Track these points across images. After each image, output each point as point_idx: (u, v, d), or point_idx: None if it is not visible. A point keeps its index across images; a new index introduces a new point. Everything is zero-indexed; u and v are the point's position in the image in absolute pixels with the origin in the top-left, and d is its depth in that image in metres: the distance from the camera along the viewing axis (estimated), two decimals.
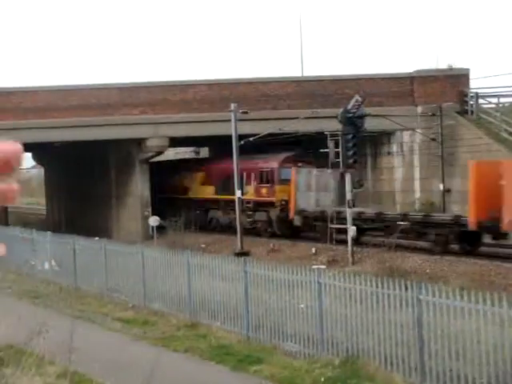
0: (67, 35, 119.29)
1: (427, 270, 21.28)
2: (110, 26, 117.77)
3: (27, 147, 46.12)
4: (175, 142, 37.36)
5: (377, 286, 10.96)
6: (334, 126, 25.60)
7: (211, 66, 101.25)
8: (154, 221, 30.51)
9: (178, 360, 12.15)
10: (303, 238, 30.35)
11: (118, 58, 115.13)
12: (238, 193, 28.87)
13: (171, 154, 57.57)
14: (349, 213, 24.37)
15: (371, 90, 32.67)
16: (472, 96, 34.06)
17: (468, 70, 35.44)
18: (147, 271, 17.09)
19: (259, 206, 32.37)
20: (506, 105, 35.77)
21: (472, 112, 33.66)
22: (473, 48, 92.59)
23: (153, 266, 16.94)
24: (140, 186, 35.60)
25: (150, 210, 34.83)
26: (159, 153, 36.40)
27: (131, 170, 36.06)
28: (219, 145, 38.81)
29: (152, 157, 36.58)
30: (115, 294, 18.27)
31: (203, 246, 30.35)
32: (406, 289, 10.44)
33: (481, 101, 34.65)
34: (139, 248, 17.80)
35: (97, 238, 20.83)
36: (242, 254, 25.86)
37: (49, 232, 24.21)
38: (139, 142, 34.59)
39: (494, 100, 36.16)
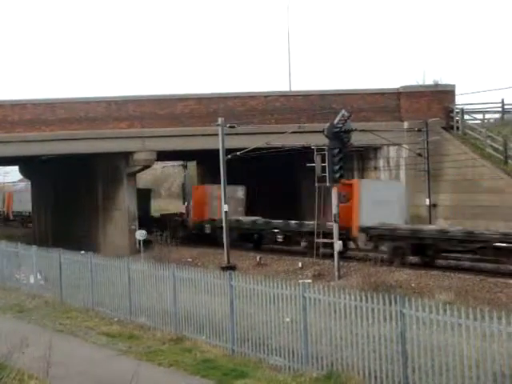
0: (54, 47, 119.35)
1: (412, 284, 21.36)
2: (98, 39, 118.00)
3: (14, 160, 46.16)
4: (163, 155, 37.41)
5: (361, 300, 11.01)
6: (321, 140, 25.74)
7: (199, 80, 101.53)
8: (140, 234, 30.46)
9: (163, 374, 12.13)
10: (290, 252, 30.43)
11: (107, 72, 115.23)
12: (225, 207, 28.91)
13: (159, 167, 57.59)
14: (335, 227, 24.45)
15: (358, 105, 32.94)
16: (458, 112, 34.41)
17: (454, 86, 35.83)
18: (133, 285, 17.05)
19: None
20: (491, 121, 36.14)
21: (458, 128, 33.98)
22: (459, 64, 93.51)
23: (139, 280, 16.91)
24: (127, 200, 35.54)
25: (136, 223, 34.76)
26: (147, 166, 36.41)
27: (118, 183, 36.02)
28: (207, 159, 38.89)
29: (139, 170, 36.58)
30: (101, 308, 18.22)
31: (190, 259, 30.32)
32: (390, 303, 10.50)
33: (466, 117, 34.99)
34: (125, 262, 17.76)
35: (83, 252, 20.77)
36: (229, 267, 25.86)
37: (34, 245, 24.10)
38: (127, 156, 34.59)
39: (480, 116, 36.54)
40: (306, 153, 27.32)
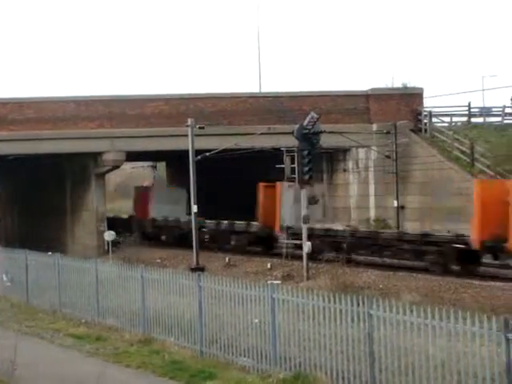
0: (20, 46, 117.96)
1: (380, 286, 21.56)
2: (66, 37, 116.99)
3: None
4: (132, 156, 37.21)
5: (329, 302, 11.06)
6: (291, 142, 25.84)
7: (169, 81, 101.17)
8: (109, 235, 30.25)
9: (130, 376, 12.06)
10: (259, 253, 30.52)
11: (76, 72, 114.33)
12: (194, 207, 28.85)
13: (128, 168, 57.26)
14: (304, 228, 24.56)
15: (327, 107, 33.12)
16: (426, 115, 34.78)
17: (422, 89, 36.21)
18: (101, 286, 16.93)
19: None
20: (459, 124, 36.61)
21: (426, 130, 34.36)
22: (426, 68, 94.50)
23: (107, 281, 16.80)
24: (96, 201, 35.28)
25: (105, 224, 34.52)
26: (116, 167, 36.19)
27: (87, 184, 35.74)
28: (176, 160, 38.80)
29: (108, 171, 36.34)
30: (68, 309, 18.05)
31: (159, 260, 30.21)
32: (358, 304, 10.57)
33: (434, 119, 35.39)
34: (93, 263, 17.63)
35: (50, 253, 20.57)
36: (198, 269, 25.78)
37: (0, 246, 23.80)
38: (95, 156, 34.35)
39: (447, 119, 36.99)
40: (275, 154, 27.42)
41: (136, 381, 11.89)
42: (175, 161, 41.64)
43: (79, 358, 13.36)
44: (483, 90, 45.47)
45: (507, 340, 8.52)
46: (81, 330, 15.95)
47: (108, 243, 30.41)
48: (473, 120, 36.68)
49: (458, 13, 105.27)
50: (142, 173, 60.45)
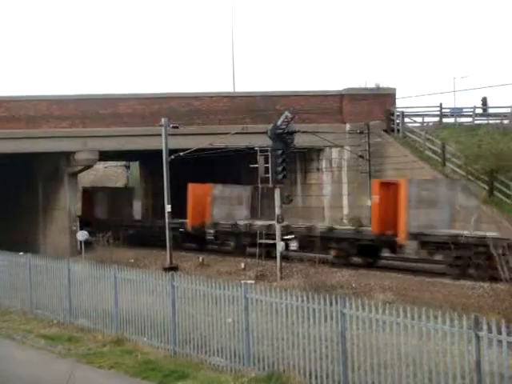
0: None
1: (353, 285, 21.66)
2: (38, 35, 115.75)
3: None
4: (105, 155, 36.97)
5: (302, 301, 11.11)
6: (264, 141, 25.86)
7: (142, 80, 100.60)
8: (82, 235, 30.01)
9: (103, 377, 12.01)
10: (232, 253, 30.52)
11: (48, 70, 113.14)
12: (168, 207, 28.76)
13: (101, 167, 56.90)
14: (278, 228, 24.61)
15: (301, 107, 33.18)
16: (398, 115, 35.04)
17: (394, 89, 36.45)
18: (73, 286, 16.81)
19: None
20: (430, 124, 36.95)
21: (398, 130, 34.60)
22: (399, 69, 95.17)
23: (79, 281, 16.69)
24: (68, 200, 35.01)
25: (77, 224, 34.28)
26: (88, 166, 35.95)
27: (59, 183, 35.43)
28: (150, 159, 38.63)
29: (81, 170, 36.08)
30: (40, 310, 17.89)
31: (132, 260, 30.04)
32: (331, 303, 10.62)
33: (406, 120, 35.67)
34: (65, 263, 17.49)
35: (21, 253, 20.36)
36: (171, 268, 25.72)
37: None
38: (68, 156, 34.06)
39: (419, 119, 37.30)
40: (250, 154, 27.44)
41: (108, 381, 11.84)
42: (149, 160, 41.48)
43: (51, 359, 13.25)
44: (454, 90, 45.97)
45: (477, 338, 8.64)
46: (53, 330, 15.83)
47: (81, 243, 30.19)
48: (444, 120, 37.02)
49: (430, 14, 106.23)
50: (115, 172, 60.14)
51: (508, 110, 36.40)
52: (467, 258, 21.60)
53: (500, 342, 8.47)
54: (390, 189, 25.08)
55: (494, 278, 17.38)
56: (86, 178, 53.05)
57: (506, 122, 35.96)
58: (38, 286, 18.25)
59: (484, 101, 39.24)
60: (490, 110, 38.99)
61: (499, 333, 8.48)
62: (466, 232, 22.15)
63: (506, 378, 8.35)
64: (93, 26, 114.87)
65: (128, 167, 55.26)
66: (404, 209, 23.97)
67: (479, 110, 38.54)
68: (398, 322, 9.71)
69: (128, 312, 14.75)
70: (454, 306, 17.11)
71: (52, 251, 32.72)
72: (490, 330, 8.57)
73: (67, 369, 11.37)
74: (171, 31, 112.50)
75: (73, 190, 35.51)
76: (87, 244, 30.06)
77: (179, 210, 32.24)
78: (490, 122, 36.98)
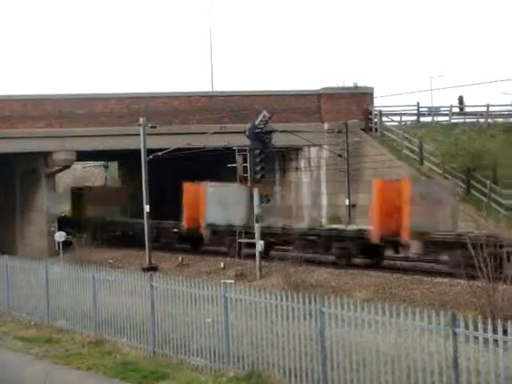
0: None
1: (332, 283, 21.75)
2: (13, 34, 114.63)
3: None
4: (83, 155, 36.77)
5: (281, 300, 11.12)
6: (243, 141, 25.88)
7: (120, 79, 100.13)
8: (60, 236, 29.81)
9: (80, 378, 11.92)
10: (212, 252, 30.50)
11: (23, 69, 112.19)
12: (147, 208, 28.66)
13: (79, 168, 56.56)
14: (257, 227, 24.63)
15: (280, 106, 33.27)
16: (376, 114, 35.24)
17: (372, 88, 36.66)
18: (51, 287, 16.68)
19: None
20: (408, 123, 37.21)
21: (376, 129, 34.81)
22: (377, 68, 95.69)
23: (57, 282, 16.56)
24: (46, 201, 34.73)
25: (56, 225, 34.04)
26: (66, 167, 35.71)
27: (37, 184, 35.15)
28: (128, 159, 38.47)
29: (59, 171, 35.84)
30: (17, 312, 17.73)
31: (111, 261, 29.92)
32: (310, 302, 10.66)
33: (384, 119, 35.89)
34: (43, 264, 17.35)
35: None
36: (150, 268, 25.64)
37: None
38: (45, 156, 33.81)
39: (397, 118, 37.57)
40: (228, 153, 27.45)
41: (86, 382, 11.76)
42: (127, 160, 41.33)
43: (28, 360, 13.12)
44: (431, 89, 46.33)
45: (454, 334, 8.71)
46: (30, 332, 15.69)
47: (59, 244, 29.99)
48: (421, 119, 37.34)
49: (407, 14, 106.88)
50: (93, 172, 59.82)
51: (484, 109, 36.77)
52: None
53: (476, 338, 8.55)
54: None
55: (472, 276, 17.55)
56: (65, 179, 52.73)
57: (482, 120, 36.32)
58: (16, 288, 18.09)
59: (460, 100, 39.62)
60: (467, 109, 39.38)
61: (476, 329, 8.56)
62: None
63: (483, 374, 8.43)
64: (69, 26, 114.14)
65: (106, 167, 54.99)
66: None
67: (456, 109, 38.89)
68: (376, 320, 9.76)
69: (107, 313, 14.67)
70: (432, 303, 17.27)
71: (30, 252, 32.42)
72: (466, 327, 8.65)
73: (44, 370, 11.30)
74: (149, 31, 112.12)
75: (51, 191, 35.25)
76: (68, 245, 29.86)
77: (161, 210, 32.21)
78: (467, 120, 37.33)
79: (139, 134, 28.85)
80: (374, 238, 23.50)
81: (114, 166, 52.95)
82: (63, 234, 30.04)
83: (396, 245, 24.20)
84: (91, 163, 56.12)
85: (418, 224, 22.82)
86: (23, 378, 11.68)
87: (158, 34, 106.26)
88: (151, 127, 29.08)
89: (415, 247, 23.62)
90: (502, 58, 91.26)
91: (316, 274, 22.83)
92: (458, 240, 20.94)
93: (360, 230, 24.91)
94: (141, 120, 29.06)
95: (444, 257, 22.31)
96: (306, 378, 10.56)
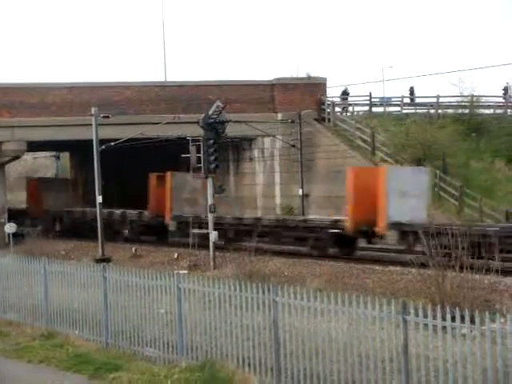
0: None
1: (286, 273, 21.87)
2: None
3: None
4: (34, 146, 36.15)
5: (235, 290, 11.15)
6: (196, 131, 25.78)
7: (72, 69, 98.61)
8: (10, 228, 29.29)
9: (32, 371, 11.77)
10: (167, 243, 30.37)
11: None
12: (99, 198, 28.36)
13: (29, 158, 55.60)
14: (210, 218, 24.60)
15: (233, 97, 33.20)
16: (329, 104, 35.46)
17: (325, 79, 36.91)
18: (0, 280, 16.41)
19: None
20: (360, 113, 37.57)
21: (329, 120, 35.04)
22: (330, 58, 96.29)
23: (6, 275, 16.29)
24: None
25: (6, 216, 33.43)
26: (16, 157, 35.07)
27: None
28: (81, 149, 37.97)
29: (9, 161, 35.18)
30: None
31: (63, 252, 29.55)
32: (263, 292, 10.70)
33: (337, 109, 36.16)
34: None
35: None
36: (103, 260, 25.41)
37: None
38: None
39: (350, 108, 37.88)
40: (182, 144, 27.32)
41: (38, 376, 11.61)
42: (79, 151, 40.79)
43: None
44: (383, 80, 46.84)
45: (405, 322, 8.86)
46: None
47: (9, 235, 29.48)
48: (374, 109, 37.73)
49: (360, 6, 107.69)
50: (44, 163, 58.85)
51: (434, 100, 37.36)
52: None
53: (426, 325, 8.71)
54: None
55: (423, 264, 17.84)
56: (15, 169, 51.80)
57: (432, 111, 36.91)
58: None
59: (411, 90, 40.18)
60: (417, 100, 39.95)
61: (425, 316, 8.72)
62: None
63: (431, 360, 8.61)
64: (21, 14, 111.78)
65: (58, 158, 54.18)
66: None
67: (407, 100, 39.41)
68: (329, 309, 9.86)
69: (59, 305, 14.49)
70: (383, 292, 17.51)
71: None
72: (416, 314, 8.80)
73: None
74: (102, 20, 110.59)
75: (0, 181, 34.58)
76: (20, 237, 29.33)
77: (114, 199, 31.92)
78: (418, 111, 37.88)
79: (91, 124, 28.48)
80: (349, 228, 23.32)
81: (65, 156, 52.18)
82: (13, 225, 29.53)
83: (371, 235, 23.93)
84: (42, 154, 55.23)
85: (395, 213, 22.49)
86: None
87: (112, 24, 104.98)
88: (104, 117, 28.74)
89: (391, 237, 23.49)
90: (451, 50, 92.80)
91: (270, 264, 22.92)
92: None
93: (336, 221, 24.74)
94: (93, 110, 28.69)
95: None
96: (259, 367, 10.63)
